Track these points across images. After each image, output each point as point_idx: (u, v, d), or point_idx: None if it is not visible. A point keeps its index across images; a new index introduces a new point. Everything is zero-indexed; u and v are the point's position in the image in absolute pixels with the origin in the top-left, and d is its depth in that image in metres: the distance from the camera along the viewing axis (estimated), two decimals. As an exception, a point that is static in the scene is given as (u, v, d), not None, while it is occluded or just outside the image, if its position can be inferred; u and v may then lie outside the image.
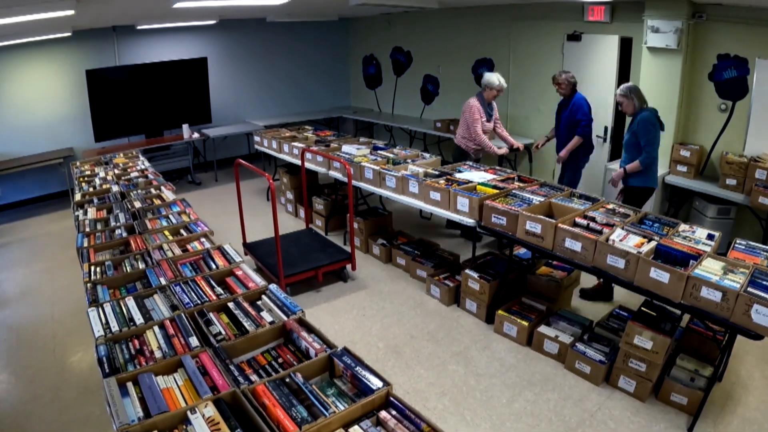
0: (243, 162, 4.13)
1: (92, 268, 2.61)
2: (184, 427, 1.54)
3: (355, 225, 4.85)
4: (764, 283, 2.39)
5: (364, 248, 4.87)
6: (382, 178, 4.25)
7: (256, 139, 6.27)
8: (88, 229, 3.19)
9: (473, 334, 3.51)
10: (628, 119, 3.80)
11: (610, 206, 3.34)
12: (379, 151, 5.01)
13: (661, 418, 2.69)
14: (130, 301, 2.23)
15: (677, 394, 2.73)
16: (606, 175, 5.00)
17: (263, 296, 2.33)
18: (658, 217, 3.17)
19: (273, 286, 2.37)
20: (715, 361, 2.85)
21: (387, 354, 3.32)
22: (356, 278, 4.37)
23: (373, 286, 4.23)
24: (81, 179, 4.40)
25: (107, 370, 1.77)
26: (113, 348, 1.91)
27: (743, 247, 2.86)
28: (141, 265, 2.65)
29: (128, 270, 2.62)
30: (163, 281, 2.43)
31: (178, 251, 2.84)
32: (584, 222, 3.07)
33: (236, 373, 1.77)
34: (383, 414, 1.63)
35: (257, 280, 2.46)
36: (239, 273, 2.56)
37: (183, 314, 2.11)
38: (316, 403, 1.62)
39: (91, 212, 3.51)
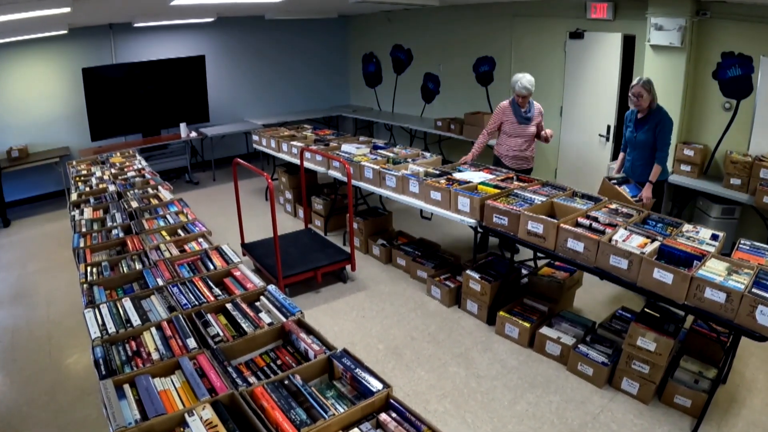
0: (241, 161, 4.11)
1: (88, 268, 2.60)
2: (182, 429, 1.53)
3: (355, 225, 4.82)
4: (769, 283, 2.37)
5: (364, 249, 4.84)
6: (382, 177, 4.22)
7: (255, 138, 6.25)
8: (84, 230, 3.18)
9: (474, 336, 3.49)
10: (627, 114, 3.74)
11: (613, 206, 3.31)
12: (379, 151, 4.99)
13: (664, 421, 2.67)
14: (127, 302, 2.21)
15: (681, 396, 2.71)
16: (608, 174, 4.96)
17: (262, 297, 2.31)
18: (661, 217, 3.14)
19: (271, 287, 2.35)
20: (720, 363, 2.82)
21: (387, 356, 3.29)
22: (356, 279, 4.34)
23: (373, 287, 4.20)
24: (77, 179, 4.38)
25: (104, 372, 1.76)
26: (110, 350, 1.89)
27: (748, 248, 2.83)
28: (138, 266, 2.64)
29: (125, 271, 2.61)
30: (160, 282, 2.42)
31: (175, 252, 2.83)
32: (587, 222, 3.04)
33: (234, 375, 1.76)
34: (383, 416, 1.62)
35: (255, 281, 2.45)
36: (237, 274, 2.54)
37: (180, 315, 2.10)
38: (316, 405, 1.61)
39: (88, 212, 3.49)
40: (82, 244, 2.94)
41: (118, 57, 6.86)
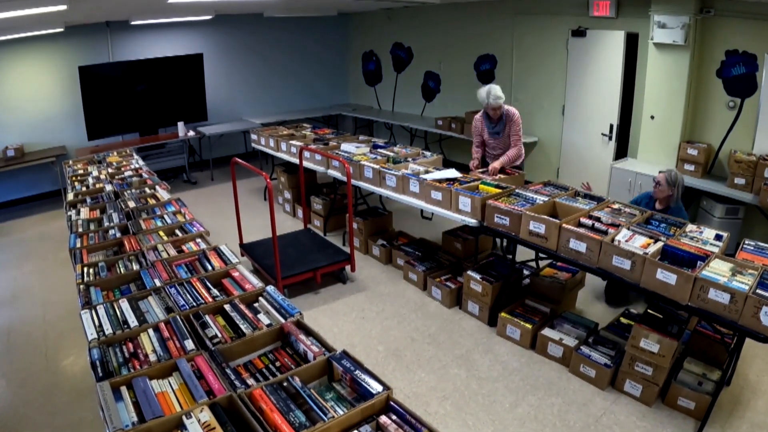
0: (240, 161, 4.08)
1: (85, 269, 2.58)
2: (180, 432, 1.52)
3: (355, 225, 4.79)
4: (774, 284, 2.35)
5: (364, 249, 4.81)
6: (382, 177, 4.19)
7: (253, 137, 6.22)
8: (80, 230, 3.16)
9: (475, 337, 3.47)
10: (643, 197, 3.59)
11: (616, 206, 3.28)
12: (378, 150, 4.96)
13: (668, 423, 2.65)
14: (124, 303, 2.20)
15: (684, 398, 2.69)
16: (612, 174, 4.95)
17: (260, 298, 2.30)
18: (664, 217, 3.13)
19: (270, 288, 2.34)
20: (723, 365, 2.81)
21: (387, 357, 3.27)
22: (355, 280, 4.32)
23: (372, 288, 4.18)
24: (74, 178, 4.36)
25: (100, 374, 1.75)
26: (107, 351, 1.89)
27: (752, 248, 2.82)
28: (135, 267, 2.63)
29: (122, 271, 2.59)
30: (157, 283, 2.41)
31: (173, 252, 2.82)
32: (589, 222, 3.02)
33: (233, 377, 1.75)
34: (383, 419, 1.61)
35: (254, 282, 2.44)
36: (236, 274, 2.53)
37: (178, 317, 2.09)
38: (315, 407, 1.60)
39: (84, 212, 3.47)
40: (78, 245, 2.92)
41: (115, 55, 6.83)
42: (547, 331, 3.23)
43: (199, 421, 1.52)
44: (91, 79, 6.41)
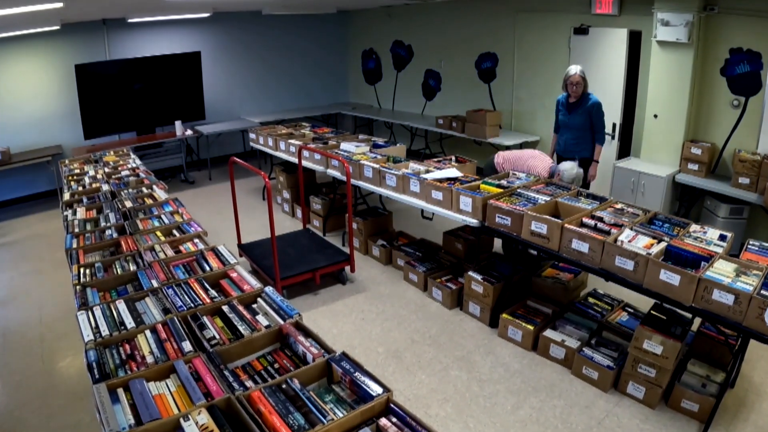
0: (238, 160, 4.06)
1: (81, 270, 2.56)
2: (177, 434, 1.51)
3: (354, 225, 4.77)
4: (779, 285, 2.33)
5: (364, 249, 4.79)
6: (382, 176, 4.17)
7: (252, 136, 6.20)
8: (77, 230, 3.13)
9: (476, 339, 3.45)
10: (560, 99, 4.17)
11: (619, 206, 3.26)
12: (378, 149, 4.92)
13: (671, 426, 2.63)
14: (121, 305, 2.19)
15: (688, 400, 2.67)
16: (614, 174, 4.94)
17: (259, 299, 2.29)
18: (668, 217, 3.11)
19: (269, 289, 2.33)
20: (728, 367, 2.79)
21: (387, 359, 3.25)
22: (355, 280, 4.30)
23: (372, 289, 4.15)
24: (70, 178, 4.32)
25: (97, 376, 1.74)
26: (103, 353, 1.87)
27: (756, 248, 2.80)
28: (132, 267, 2.60)
29: (119, 272, 2.57)
30: (155, 284, 2.39)
31: (170, 252, 2.79)
32: (592, 222, 3.00)
33: (231, 379, 1.74)
34: (383, 421, 1.59)
35: (252, 283, 2.42)
36: (234, 275, 2.51)
37: (176, 318, 2.07)
38: (314, 410, 1.59)
39: (81, 212, 3.45)
40: (74, 245, 2.90)
41: (112, 53, 6.79)
42: (549, 333, 3.20)
43: (196, 423, 1.51)
44: (88, 78, 6.38)
